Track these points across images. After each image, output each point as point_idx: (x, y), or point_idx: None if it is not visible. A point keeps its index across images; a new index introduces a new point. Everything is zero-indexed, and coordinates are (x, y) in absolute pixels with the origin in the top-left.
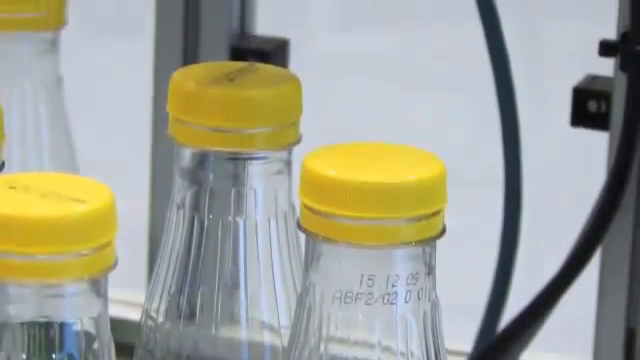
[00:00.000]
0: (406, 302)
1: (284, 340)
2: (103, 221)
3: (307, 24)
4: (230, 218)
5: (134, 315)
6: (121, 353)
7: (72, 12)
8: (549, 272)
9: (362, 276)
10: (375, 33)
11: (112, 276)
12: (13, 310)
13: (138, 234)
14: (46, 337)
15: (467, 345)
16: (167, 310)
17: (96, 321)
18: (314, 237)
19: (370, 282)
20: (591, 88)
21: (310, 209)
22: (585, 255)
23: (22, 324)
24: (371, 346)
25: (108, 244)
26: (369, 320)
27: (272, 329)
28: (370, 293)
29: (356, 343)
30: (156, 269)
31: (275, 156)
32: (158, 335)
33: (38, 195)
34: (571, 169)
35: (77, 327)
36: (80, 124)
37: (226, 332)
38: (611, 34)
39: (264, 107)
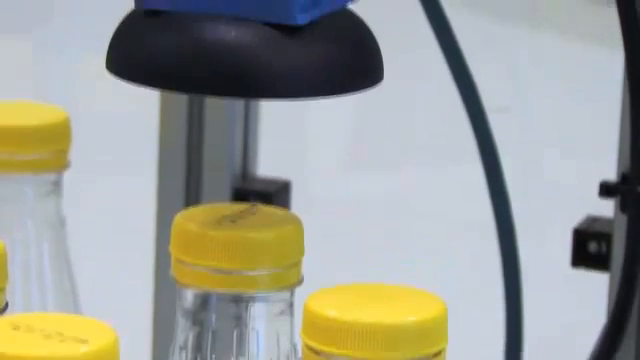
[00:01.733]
0: None
1: None
2: None
3: (308, 166)
4: (232, 359)
5: None
6: None
7: (73, 151)
8: None
9: None
10: (375, 175)
11: None
12: None
13: None
14: None
15: None
16: None
17: None
18: None
19: None
20: (591, 229)
21: (312, 349)
22: None
23: None
24: None
25: None
26: None
27: None
28: None
29: None
30: None
31: (277, 297)
32: None
33: (42, 335)
34: (571, 309)
35: None
36: (82, 264)
37: None
38: (611, 175)
39: (266, 249)
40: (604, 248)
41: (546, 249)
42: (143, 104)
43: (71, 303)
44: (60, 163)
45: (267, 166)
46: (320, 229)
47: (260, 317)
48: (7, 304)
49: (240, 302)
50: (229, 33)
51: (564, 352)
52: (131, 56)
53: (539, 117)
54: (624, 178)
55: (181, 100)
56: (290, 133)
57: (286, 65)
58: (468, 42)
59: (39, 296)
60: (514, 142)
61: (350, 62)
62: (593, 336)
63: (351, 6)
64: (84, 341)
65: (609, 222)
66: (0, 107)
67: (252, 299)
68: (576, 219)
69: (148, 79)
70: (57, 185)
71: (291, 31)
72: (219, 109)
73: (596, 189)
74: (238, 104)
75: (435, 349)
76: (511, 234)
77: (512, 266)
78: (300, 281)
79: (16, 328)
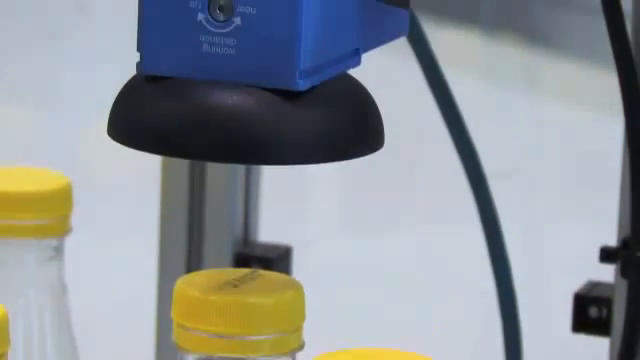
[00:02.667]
0: None
1: None
2: None
3: (309, 231)
4: None
5: None
6: None
7: (74, 216)
8: None
9: None
10: (376, 239)
11: None
12: None
13: None
14: None
15: None
16: None
17: None
18: None
19: None
20: (592, 294)
21: None
22: None
23: None
24: None
25: None
26: None
27: None
28: None
29: None
30: None
31: None
32: None
33: None
34: None
35: None
36: (83, 329)
37: None
38: (612, 240)
39: (267, 314)
40: (605, 313)
41: (547, 314)
42: (144, 169)
43: None
44: (62, 228)
45: (268, 231)
46: (321, 294)
47: None
48: None
49: None
50: (230, 98)
51: None
52: (132, 122)
53: (540, 182)
54: (625, 243)
55: (182, 165)
56: (291, 198)
57: (287, 131)
58: (468, 107)
59: None
60: (514, 206)
61: (351, 128)
62: None
63: (351, 71)
64: None
65: (610, 287)
66: (1, 172)
67: None
68: (577, 284)
69: (149, 145)
70: (59, 250)
71: (292, 97)
72: (220, 174)
73: (597, 254)
74: (239, 169)
75: None
76: (512, 298)
77: (513, 330)
78: (301, 346)
79: None
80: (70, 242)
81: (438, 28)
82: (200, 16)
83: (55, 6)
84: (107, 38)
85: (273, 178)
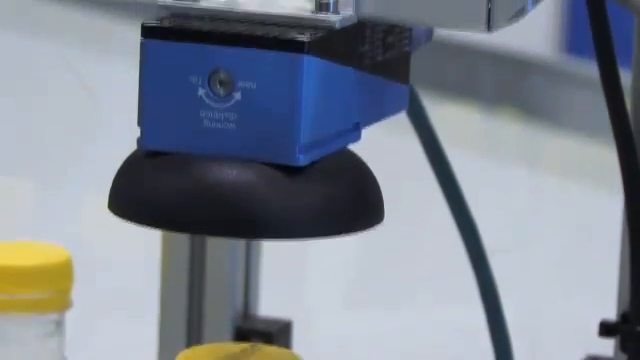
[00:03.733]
0: None
1: None
2: None
3: (310, 305)
4: None
5: None
6: None
7: (74, 290)
8: None
9: None
10: (376, 315)
11: None
12: None
13: None
14: None
15: None
16: None
17: None
18: None
19: None
20: None
21: None
22: None
23: None
24: None
25: None
26: None
27: None
28: None
29: None
30: None
31: None
32: None
33: None
34: None
35: None
36: None
37: None
38: (611, 314)
39: None
40: None
41: None
42: (145, 243)
43: None
44: (62, 303)
45: (268, 305)
46: None
47: None
48: None
49: None
50: (230, 173)
51: None
52: (133, 197)
53: (539, 257)
54: (624, 317)
55: (183, 239)
56: (291, 272)
57: (287, 206)
58: (468, 182)
59: None
60: (514, 282)
61: (351, 203)
62: None
63: (351, 146)
64: None
65: None
66: (1, 247)
67: None
68: (576, 358)
69: (149, 219)
70: (59, 325)
71: (292, 171)
72: (221, 249)
73: (596, 327)
74: (239, 243)
75: None
76: None
77: None
78: None
79: None
80: (71, 316)
81: (438, 103)
82: (200, 91)
83: (58, 84)
84: (108, 113)
85: (273, 252)
